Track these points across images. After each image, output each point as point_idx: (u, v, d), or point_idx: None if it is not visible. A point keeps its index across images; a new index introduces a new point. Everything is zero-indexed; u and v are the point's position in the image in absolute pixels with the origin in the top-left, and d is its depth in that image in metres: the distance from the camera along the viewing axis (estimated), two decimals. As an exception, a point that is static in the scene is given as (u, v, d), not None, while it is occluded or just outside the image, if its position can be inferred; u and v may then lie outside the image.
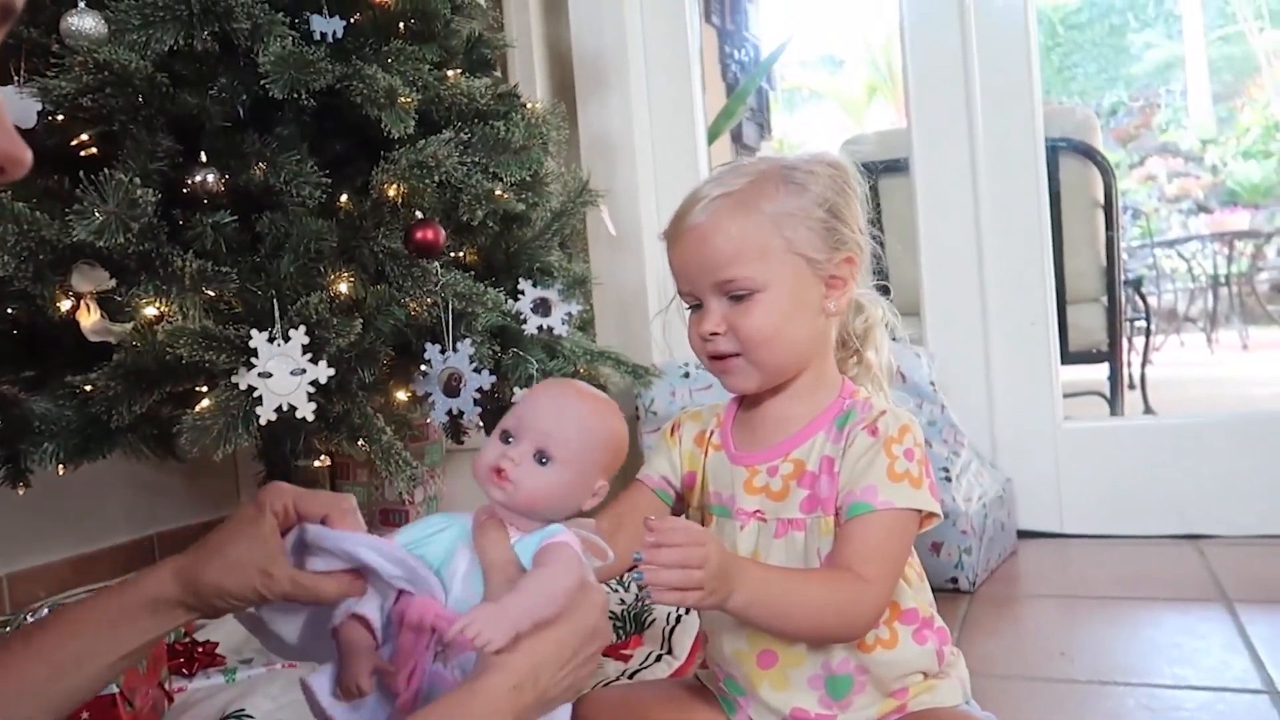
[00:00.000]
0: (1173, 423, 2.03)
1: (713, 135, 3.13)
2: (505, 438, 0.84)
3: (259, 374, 1.14)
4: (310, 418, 1.15)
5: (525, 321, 1.51)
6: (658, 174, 2.17)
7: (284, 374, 1.14)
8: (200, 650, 1.42)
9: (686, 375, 1.85)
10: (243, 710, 1.26)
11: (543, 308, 1.54)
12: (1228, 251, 6.04)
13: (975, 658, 1.31)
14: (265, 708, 1.27)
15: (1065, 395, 2.86)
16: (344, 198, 1.39)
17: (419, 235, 1.27)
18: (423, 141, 1.29)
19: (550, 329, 1.52)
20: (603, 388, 1.61)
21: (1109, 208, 2.39)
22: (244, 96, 1.34)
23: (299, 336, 1.14)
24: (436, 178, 1.28)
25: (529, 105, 1.64)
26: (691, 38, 2.20)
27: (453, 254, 1.55)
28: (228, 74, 1.30)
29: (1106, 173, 2.37)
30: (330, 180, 1.29)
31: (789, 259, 0.94)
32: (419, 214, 1.29)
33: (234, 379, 1.14)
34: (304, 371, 1.14)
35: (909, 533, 0.91)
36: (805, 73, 9.28)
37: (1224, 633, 1.34)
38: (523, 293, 1.52)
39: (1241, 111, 8.94)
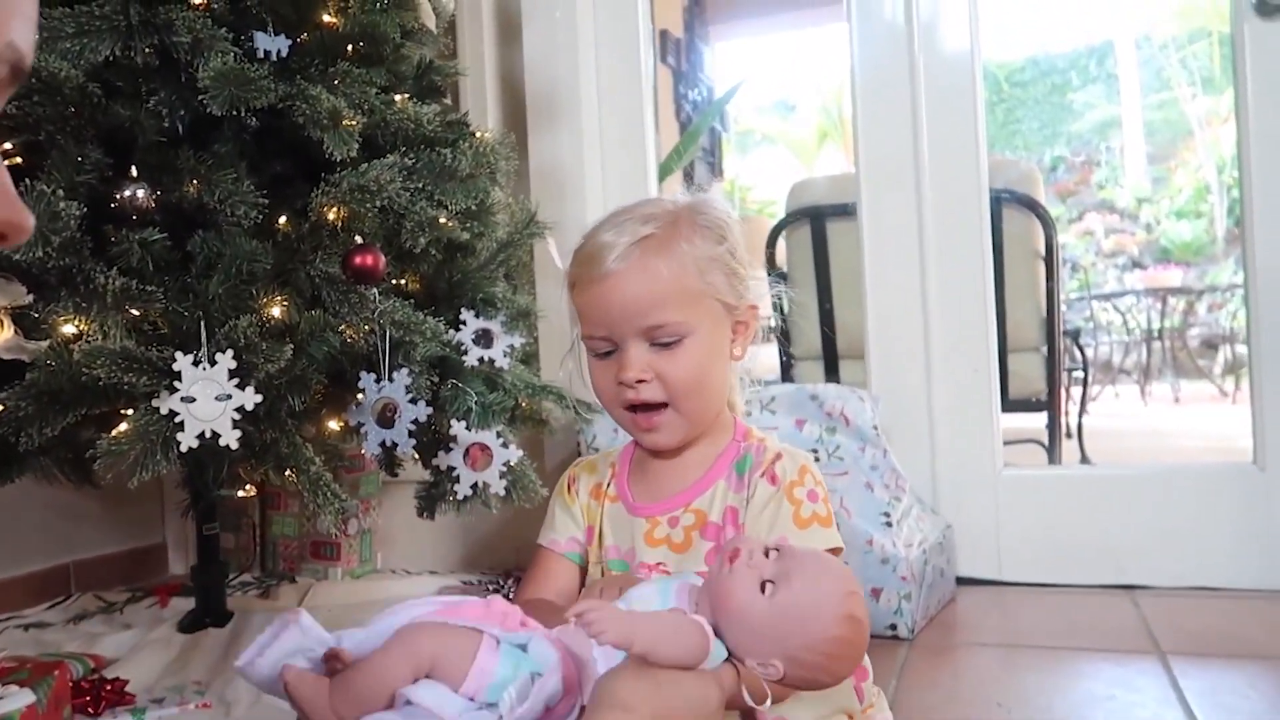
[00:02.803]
0: (1109, 473, 2.06)
1: (664, 173, 3.14)
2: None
3: (181, 398, 1.09)
4: (234, 445, 1.10)
5: (466, 353, 1.47)
6: (607, 208, 2.14)
7: (208, 399, 1.09)
8: (108, 688, 1.35)
9: (630, 412, 1.83)
10: (147, 753, 1.19)
11: (485, 339, 1.51)
12: (1161, 306, 6.20)
13: (913, 707, 1.29)
14: (172, 751, 1.21)
15: (1005, 443, 2.90)
16: (283, 220, 1.35)
17: (357, 261, 1.24)
18: (366, 165, 1.26)
19: (492, 361, 1.49)
20: (544, 423, 1.59)
21: (1050, 259, 2.43)
22: (182, 112, 1.31)
23: (226, 360, 1.10)
24: (378, 203, 1.25)
25: (479, 134, 1.62)
26: (645, 74, 2.20)
27: (395, 281, 1.52)
28: (165, 88, 1.27)
29: (1048, 225, 2.42)
30: (267, 201, 1.25)
31: (709, 304, 0.95)
32: (358, 239, 1.26)
33: (155, 403, 1.09)
34: (229, 397, 1.10)
35: None
36: (759, 117, 9.41)
37: (1158, 686, 1.34)
38: (464, 323, 1.49)
39: (1175, 173, 9.24)
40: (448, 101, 1.78)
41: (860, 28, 2.02)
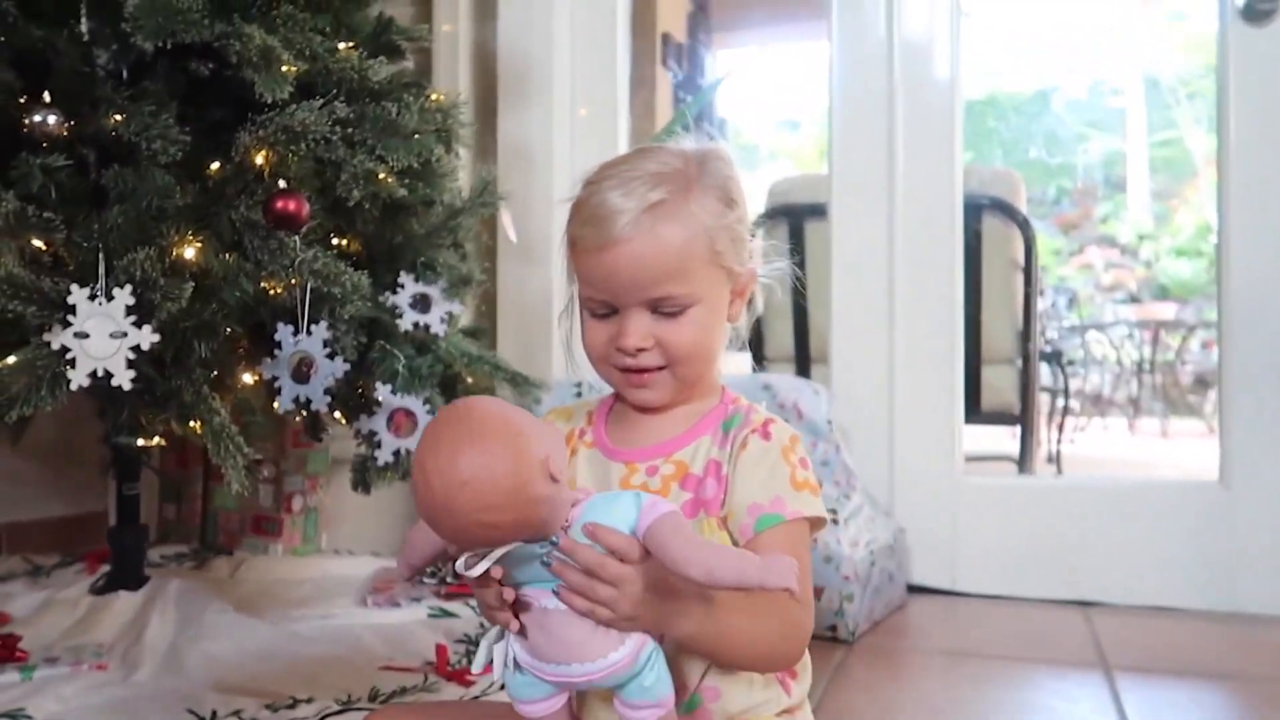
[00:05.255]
0: (1070, 484, 2.00)
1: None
2: None
3: (75, 334, 1.03)
4: (127, 386, 1.04)
5: (401, 316, 1.42)
6: (574, 188, 2.11)
7: (103, 336, 1.04)
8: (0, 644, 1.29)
9: (579, 394, 1.77)
10: (22, 710, 1.13)
11: (422, 304, 1.45)
12: (1153, 339, 6.16)
13: (844, 712, 1.23)
14: (50, 709, 1.14)
15: (977, 459, 2.84)
16: (215, 165, 1.30)
17: (279, 205, 1.18)
18: (294, 107, 1.20)
19: (427, 326, 1.43)
20: (490, 392, 1.53)
21: (1028, 269, 2.38)
22: (115, 45, 1.26)
23: (123, 296, 1.04)
24: (303, 146, 1.19)
25: (433, 95, 1.57)
26: (620, 56, 2.16)
27: (336, 240, 1.48)
28: (94, 17, 1.22)
29: (1027, 234, 2.37)
30: (189, 139, 1.20)
31: (715, 272, 0.90)
32: (283, 184, 1.21)
33: (46, 337, 1.04)
34: (125, 335, 1.04)
35: (809, 545, 0.87)
36: (766, 132, 9.42)
37: (1097, 698, 1.28)
38: (402, 286, 1.44)
39: (1177, 211, 9.23)
40: (409, 64, 1.73)
41: (841, 35, 1.98)
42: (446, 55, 2.20)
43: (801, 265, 2.66)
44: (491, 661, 0.74)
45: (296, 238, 1.20)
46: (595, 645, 0.71)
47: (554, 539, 0.70)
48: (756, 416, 0.91)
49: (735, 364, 3.42)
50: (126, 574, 1.59)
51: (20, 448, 1.74)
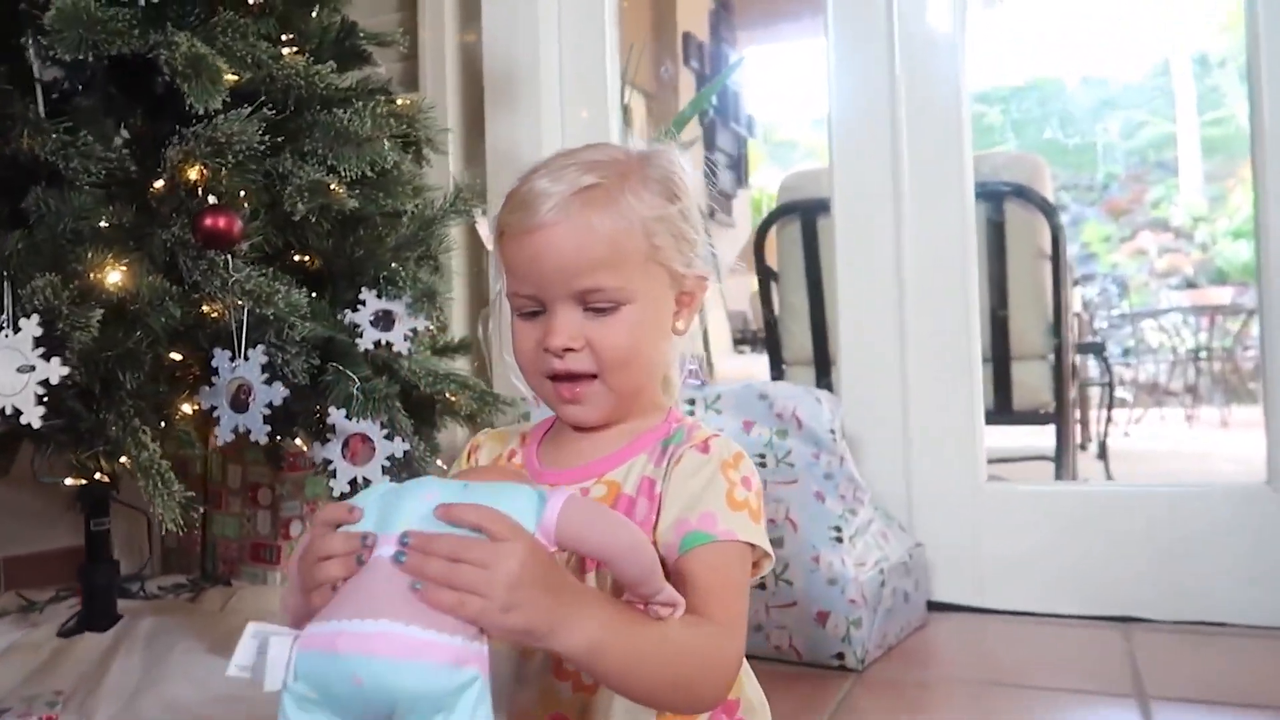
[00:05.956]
0: (1104, 490, 1.86)
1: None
2: None
3: (-21, 369, 0.96)
4: (36, 424, 0.97)
5: (361, 335, 1.34)
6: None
7: (9, 370, 0.96)
8: (-53, 694, 1.23)
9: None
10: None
11: (384, 321, 1.37)
12: (1209, 325, 5.89)
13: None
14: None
15: (1010, 460, 2.69)
16: (160, 183, 1.23)
17: (208, 223, 1.11)
18: (222, 118, 1.13)
19: (389, 344, 1.35)
20: (450, 409, 1.45)
21: (1057, 258, 2.23)
22: (45, 60, 1.20)
23: (30, 327, 0.97)
24: (230, 157, 1.11)
25: (399, 100, 1.49)
26: (610, 55, 2.06)
27: (297, 256, 1.40)
28: (8, 26, 1.15)
29: (1053, 220, 2.22)
30: (113, 157, 1.13)
31: (653, 270, 0.80)
32: (213, 200, 1.13)
33: (-52, 373, 0.97)
34: (33, 369, 0.96)
35: (748, 573, 0.76)
36: (801, 130, 9.28)
37: (1129, 735, 1.15)
38: (363, 303, 1.36)
39: (1233, 191, 8.91)
40: (380, 70, 1.66)
41: (837, 18, 1.87)
42: (433, 61, 2.13)
43: (815, 264, 2.52)
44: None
45: (229, 256, 1.12)
46: (409, 610, 0.55)
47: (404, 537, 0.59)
48: (700, 433, 0.81)
49: (751, 368, 3.30)
50: (97, 614, 1.52)
51: (18, 479, 1.69)
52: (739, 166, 5.93)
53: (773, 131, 8.97)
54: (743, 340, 4.79)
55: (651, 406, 0.85)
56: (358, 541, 0.61)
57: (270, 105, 1.27)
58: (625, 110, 2.62)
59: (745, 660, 0.80)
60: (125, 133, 1.26)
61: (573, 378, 0.79)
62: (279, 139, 1.30)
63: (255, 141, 1.13)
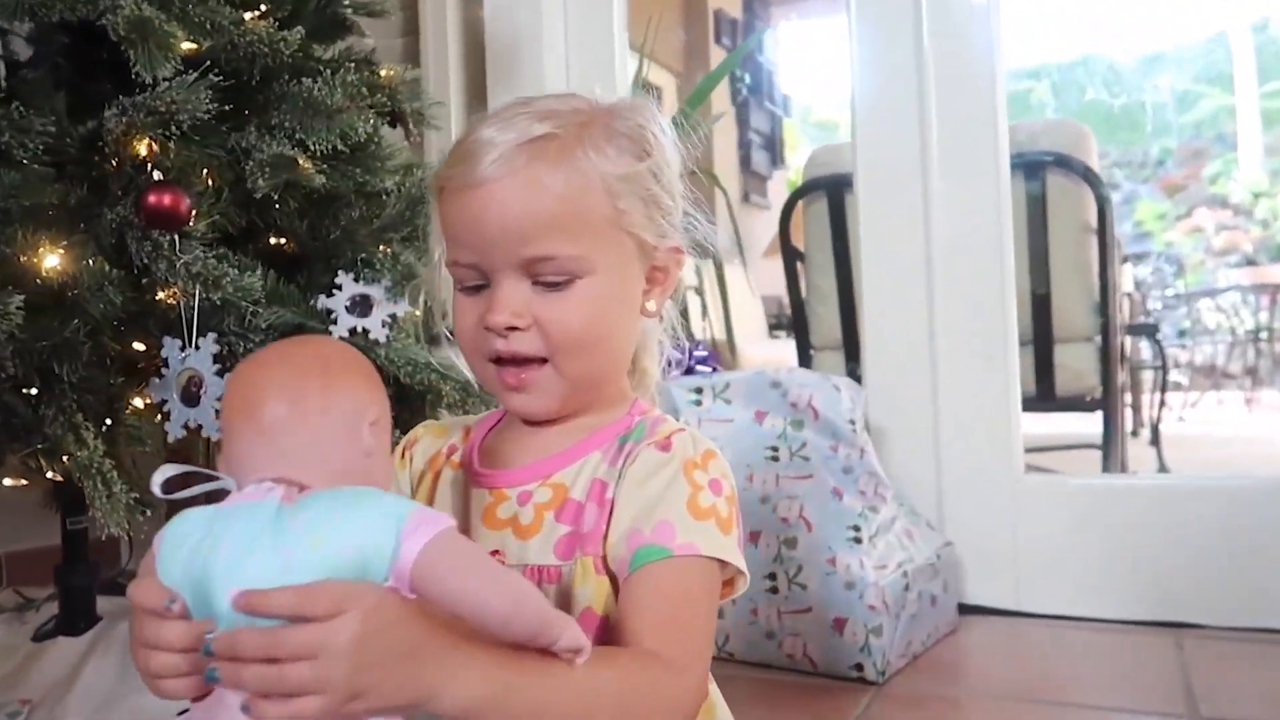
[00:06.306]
0: (1153, 484, 1.72)
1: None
2: None
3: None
4: (-46, 421, 0.89)
5: (336, 321, 1.25)
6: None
7: (-75, 363, 0.88)
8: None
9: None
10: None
11: (362, 306, 1.28)
12: (1270, 304, 5.63)
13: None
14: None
15: (1052, 449, 2.54)
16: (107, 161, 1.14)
17: (152, 200, 1.02)
18: (165, 85, 1.03)
19: (366, 331, 1.25)
20: (440, 400, 1.35)
21: (1103, 232, 2.08)
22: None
23: (-54, 316, 0.89)
24: (175, 128, 1.02)
25: (382, 71, 1.40)
26: (617, 26, 1.95)
27: (270, 239, 1.32)
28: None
29: (1100, 191, 2.06)
30: (53, 131, 1.05)
31: (617, 238, 0.69)
32: (158, 175, 1.04)
33: None
34: (-51, 362, 0.88)
35: (714, 594, 0.65)
36: (842, 110, 9.07)
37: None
38: (339, 287, 1.26)
39: (1295, 165, 8.58)
40: (369, 41, 1.56)
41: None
42: (434, 35, 2.03)
43: (844, 243, 2.38)
44: None
45: (176, 238, 1.03)
46: None
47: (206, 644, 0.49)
48: (665, 428, 0.70)
49: (785, 354, 3.17)
50: (74, 616, 1.45)
51: (21, 473, 1.64)
52: (774, 147, 5.78)
53: (811, 111, 8.79)
54: (778, 325, 4.66)
55: (618, 398, 0.74)
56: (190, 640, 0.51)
57: (233, 75, 1.18)
58: (645, 86, 2.51)
59: (715, 690, 0.69)
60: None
61: (518, 361, 0.68)
62: (245, 112, 1.22)
63: (202, 110, 1.03)
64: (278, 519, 0.50)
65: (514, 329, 0.66)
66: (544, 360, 0.67)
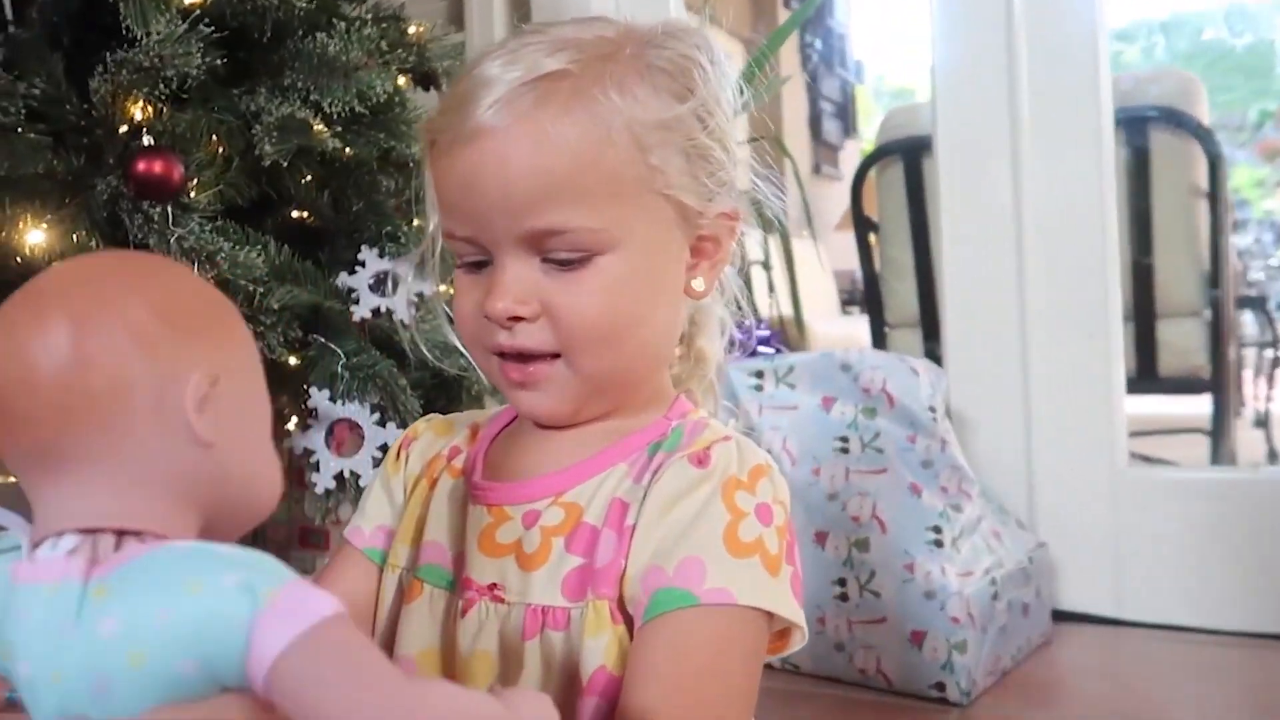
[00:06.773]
0: (1272, 477, 1.52)
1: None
2: None
3: None
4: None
5: (358, 301, 1.14)
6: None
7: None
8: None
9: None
10: None
11: (386, 284, 1.17)
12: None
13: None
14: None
15: (1158, 432, 2.34)
16: (124, 129, 1.05)
17: (141, 168, 0.92)
18: (155, 39, 0.93)
19: (390, 312, 1.15)
20: (474, 388, 1.24)
21: (1214, 195, 1.87)
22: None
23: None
24: (164, 87, 0.92)
25: (410, 27, 1.29)
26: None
27: (291, 212, 1.22)
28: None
29: (1211, 149, 1.85)
30: (38, 95, 0.96)
31: (651, 203, 0.54)
32: (149, 140, 0.94)
33: None
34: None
35: (755, 654, 0.51)
36: (921, 76, 8.77)
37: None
38: (362, 264, 1.16)
39: None
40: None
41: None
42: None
43: (921, 211, 2.20)
44: None
45: (168, 208, 0.93)
46: None
47: None
48: (706, 435, 0.56)
49: (858, 333, 3.01)
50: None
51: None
52: (845, 115, 5.56)
53: (885, 79, 8.49)
54: (851, 301, 4.47)
55: (654, 399, 0.60)
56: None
57: (242, 31, 1.08)
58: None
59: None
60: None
61: (524, 356, 0.56)
62: (259, 73, 1.12)
63: (194, 67, 0.93)
64: (81, 613, 0.36)
65: (518, 319, 0.54)
66: (556, 355, 0.55)
